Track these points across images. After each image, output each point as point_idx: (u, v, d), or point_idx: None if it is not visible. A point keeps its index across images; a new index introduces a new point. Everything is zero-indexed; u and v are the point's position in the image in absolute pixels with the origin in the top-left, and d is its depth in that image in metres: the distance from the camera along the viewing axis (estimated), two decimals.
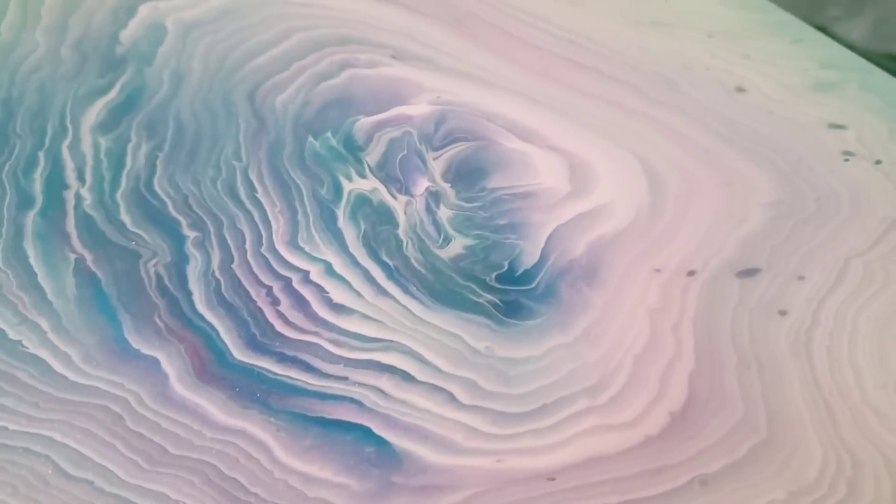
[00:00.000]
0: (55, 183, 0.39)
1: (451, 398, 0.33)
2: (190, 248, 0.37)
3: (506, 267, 0.38)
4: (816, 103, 0.49)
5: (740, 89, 0.50)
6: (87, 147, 0.41)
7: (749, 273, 0.40)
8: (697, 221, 0.42)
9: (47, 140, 0.41)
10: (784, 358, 0.36)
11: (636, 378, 0.35)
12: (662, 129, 0.47)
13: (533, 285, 0.38)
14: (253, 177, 0.40)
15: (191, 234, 0.37)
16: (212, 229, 0.38)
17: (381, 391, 0.33)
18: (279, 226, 0.38)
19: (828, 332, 0.38)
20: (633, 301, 0.38)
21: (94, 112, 0.42)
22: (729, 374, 0.36)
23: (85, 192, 0.39)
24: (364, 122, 0.44)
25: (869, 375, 0.36)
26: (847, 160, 0.46)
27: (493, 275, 0.38)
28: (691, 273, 0.39)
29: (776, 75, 0.51)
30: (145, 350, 0.33)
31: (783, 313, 0.38)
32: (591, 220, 0.41)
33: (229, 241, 0.37)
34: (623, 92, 0.49)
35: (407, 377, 0.34)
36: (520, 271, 0.38)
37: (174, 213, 0.38)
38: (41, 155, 0.40)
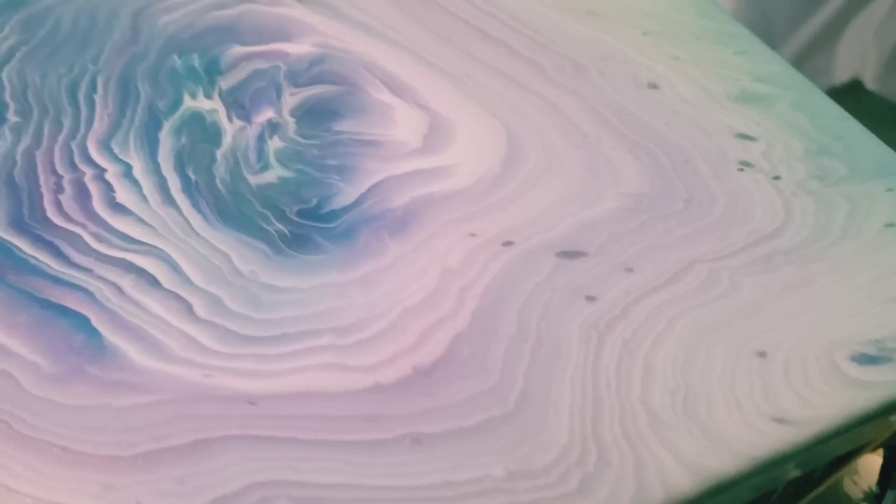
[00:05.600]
0: None
1: (189, 309, 0.32)
2: (5, 131, 0.37)
3: (313, 203, 0.37)
4: (733, 112, 0.46)
5: (652, 86, 0.47)
6: None
7: (571, 255, 0.37)
8: (539, 199, 0.39)
9: None
10: (570, 341, 0.33)
11: (396, 328, 0.33)
12: (548, 109, 0.44)
13: (333, 224, 0.36)
14: (100, 80, 0.40)
15: (12, 119, 0.38)
16: (35, 118, 0.38)
17: (119, 289, 0.32)
18: (100, 126, 0.38)
19: (632, 327, 0.34)
20: (431, 257, 0.36)
21: None
22: (498, 344, 0.33)
23: None
24: (236, 51, 0.44)
25: (661, 376, 0.33)
26: (741, 170, 0.43)
27: (296, 208, 0.37)
28: (508, 243, 0.37)
29: (701, 79, 0.48)
30: None
31: (591, 299, 0.35)
32: (426, 178, 0.39)
33: (46, 131, 0.38)
34: (523, 69, 0.47)
35: (153, 281, 0.33)
36: (326, 210, 0.37)
37: (6, 99, 0.39)
38: None
